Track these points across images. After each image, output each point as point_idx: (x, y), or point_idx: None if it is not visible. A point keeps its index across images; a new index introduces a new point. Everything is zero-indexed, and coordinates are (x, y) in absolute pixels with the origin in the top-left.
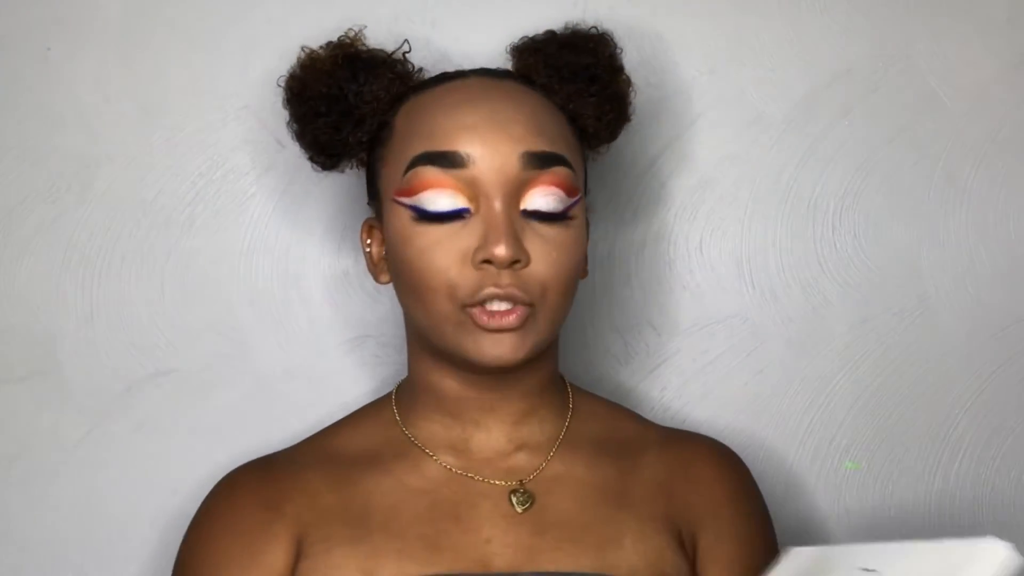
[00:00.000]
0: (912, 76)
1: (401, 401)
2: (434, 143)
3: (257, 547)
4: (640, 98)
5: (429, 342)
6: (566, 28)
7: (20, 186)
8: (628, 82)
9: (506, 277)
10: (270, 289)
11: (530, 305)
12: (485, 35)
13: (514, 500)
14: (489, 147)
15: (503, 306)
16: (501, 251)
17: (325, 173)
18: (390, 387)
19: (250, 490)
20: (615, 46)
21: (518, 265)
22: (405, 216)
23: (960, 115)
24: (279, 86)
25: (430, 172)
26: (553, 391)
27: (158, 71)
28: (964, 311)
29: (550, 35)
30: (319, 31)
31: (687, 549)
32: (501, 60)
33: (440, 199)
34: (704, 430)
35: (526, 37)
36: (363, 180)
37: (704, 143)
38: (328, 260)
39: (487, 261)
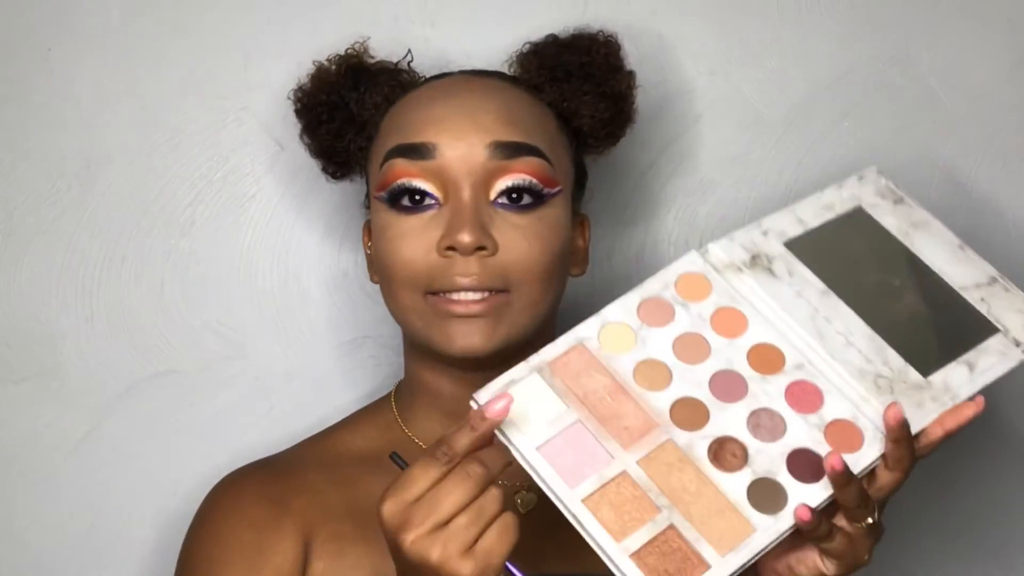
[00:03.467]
0: (912, 76)
1: (400, 401)
2: (404, 136)
3: (265, 541)
4: (640, 98)
5: (406, 335)
6: (569, 31)
7: (20, 186)
8: (629, 81)
9: (473, 265)
10: (270, 289)
11: (504, 291)
12: (485, 35)
13: (519, 501)
14: (455, 136)
15: (472, 296)
16: (464, 237)
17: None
18: (389, 388)
19: (254, 487)
20: (615, 46)
21: (484, 252)
22: (382, 209)
23: (960, 115)
24: (288, 99)
25: (400, 164)
26: None
27: (158, 71)
28: None
29: (551, 38)
30: (319, 32)
31: None
32: (501, 60)
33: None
34: None
35: (528, 43)
36: (363, 182)
37: (704, 144)
38: (328, 261)
39: (452, 248)
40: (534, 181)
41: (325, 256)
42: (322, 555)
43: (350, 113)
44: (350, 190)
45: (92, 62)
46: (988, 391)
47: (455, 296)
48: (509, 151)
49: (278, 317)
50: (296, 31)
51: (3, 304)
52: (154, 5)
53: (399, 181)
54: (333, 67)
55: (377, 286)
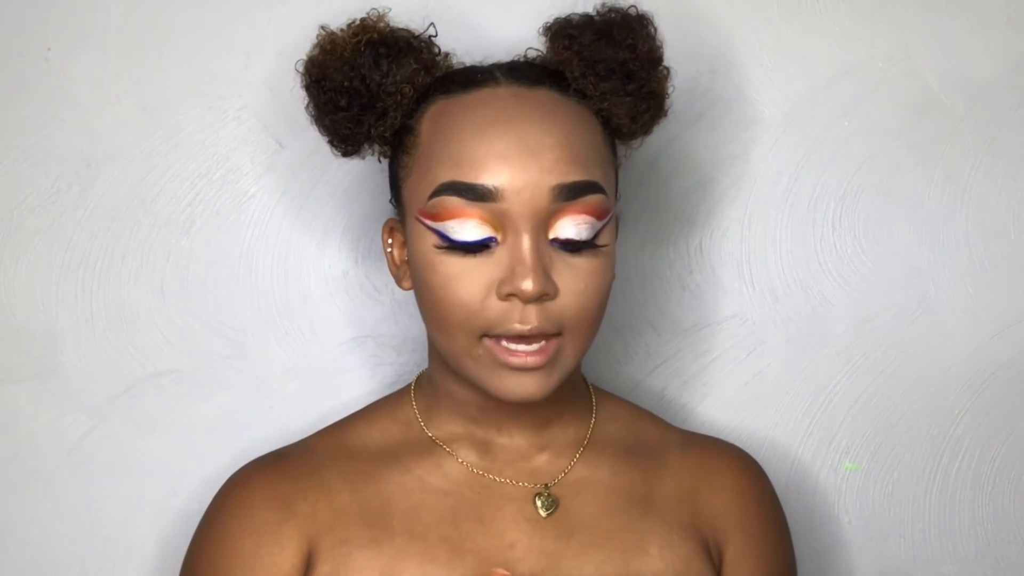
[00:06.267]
0: (912, 76)
1: (421, 400)
2: (461, 173)
3: (265, 547)
4: None
5: (450, 367)
6: (603, 8)
7: (20, 186)
8: (666, 74)
9: (532, 311)
10: (270, 289)
11: (558, 335)
12: (485, 35)
13: (538, 504)
14: (519, 180)
15: (528, 347)
16: (528, 286)
17: (323, 173)
18: (389, 387)
19: (262, 488)
20: (655, 34)
21: (545, 299)
22: (429, 239)
23: (960, 115)
24: (297, 71)
25: (456, 203)
26: (577, 395)
27: (158, 71)
28: (964, 311)
29: (586, 19)
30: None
31: (714, 559)
32: (500, 58)
33: (466, 229)
34: (704, 431)
35: (560, 17)
36: (365, 177)
37: (704, 143)
38: (328, 260)
39: (513, 295)
40: (594, 221)
41: (325, 255)
42: (328, 559)
43: (371, 98)
44: (351, 189)
45: (92, 62)
46: (993, 381)
47: (512, 347)
48: (572, 193)
49: (278, 317)
50: (296, 31)
51: (3, 304)
52: (154, 5)
53: (455, 220)
54: (349, 40)
55: (376, 285)
